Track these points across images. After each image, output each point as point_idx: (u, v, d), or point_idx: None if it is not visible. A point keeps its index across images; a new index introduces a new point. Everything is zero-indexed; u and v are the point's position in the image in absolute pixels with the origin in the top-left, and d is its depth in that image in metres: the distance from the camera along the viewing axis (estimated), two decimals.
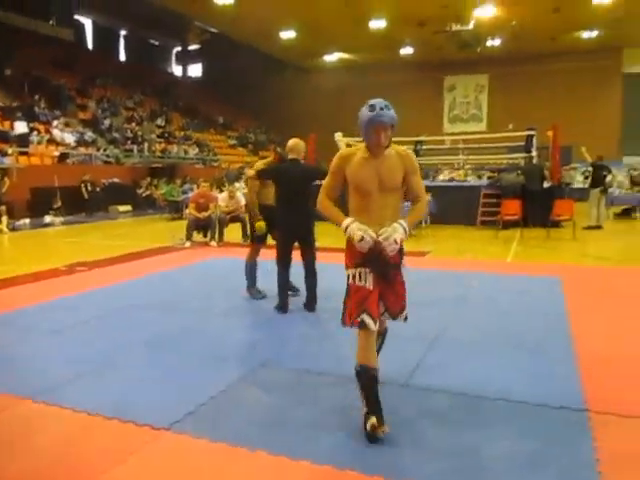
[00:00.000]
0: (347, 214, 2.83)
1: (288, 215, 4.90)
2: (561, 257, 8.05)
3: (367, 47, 24.31)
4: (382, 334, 3.15)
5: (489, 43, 22.77)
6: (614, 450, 2.55)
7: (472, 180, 14.53)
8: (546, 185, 11.77)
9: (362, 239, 2.64)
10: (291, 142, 5.00)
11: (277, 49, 25.26)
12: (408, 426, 2.79)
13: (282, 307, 4.97)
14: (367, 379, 2.73)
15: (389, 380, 3.34)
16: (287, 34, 22.46)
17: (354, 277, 2.80)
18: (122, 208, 16.56)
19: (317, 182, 5.16)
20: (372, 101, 2.68)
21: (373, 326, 2.74)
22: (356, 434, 2.69)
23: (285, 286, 5.04)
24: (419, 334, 4.24)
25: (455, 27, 20.52)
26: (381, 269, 2.80)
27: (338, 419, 2.87)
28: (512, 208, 10.39)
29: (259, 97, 29.97)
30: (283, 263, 5.01)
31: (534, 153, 12.86)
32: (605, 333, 4.32)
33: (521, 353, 3.88)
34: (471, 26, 20.34)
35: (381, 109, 2.65)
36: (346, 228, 2.71)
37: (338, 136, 13.17)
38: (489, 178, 13.74)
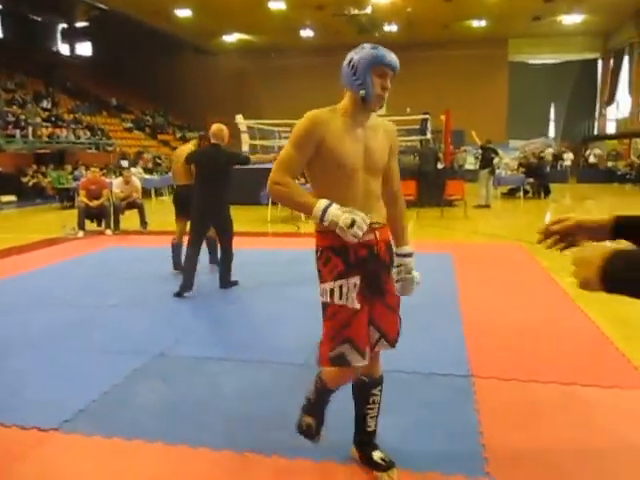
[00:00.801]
0: None
1: (204, 199, 4.91)
2: (453, 235, 8.54)
3: (267, 29, 24.03)
4: (377, 383, 2.28)
5: (387, 28, 23.34)
6: (493, 411, 2.77)
7: None
8: (440, 167, 12.39)
9: (353, 223, 1.82)
10: (214, 127, 5.06)
11: (174, 28, 24.28)
12: None
13: (186, 287, 4.94)
14: (327, 398, 2.30)
15: (288, 360, 3.41)
16: (183, 12, 21.65)
17: (332, 294, 2.01)
18: (5, 198, 15.27)
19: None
20: (367, 44, 2.03)
21: (359, 361, 2.02)
22: (254, 417, 2.71)
23: (192, 268, 5.00)
24: (317, 313, 4.34)
25: (353, 11, 20.81)
26: (375, 273, 2.08)
27: (236, 404, 2.88)
28: (408, 189, 10.82)
29: (156, 78, 28.75)
30: (194, 246, 5.02)
31: (429, 136, 13.45)
32: (490, 305, 4.65)
33: (414, 326, 4.04)
34: (369, 11, 20.73)
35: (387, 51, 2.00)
36: (324, 213, 1.86)
37: (239, 119, 12.96)
38: None
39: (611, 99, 25.38)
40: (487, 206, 11.97)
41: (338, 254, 2.02)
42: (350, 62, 2.00)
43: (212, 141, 5.02)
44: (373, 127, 2.08)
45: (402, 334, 3.91)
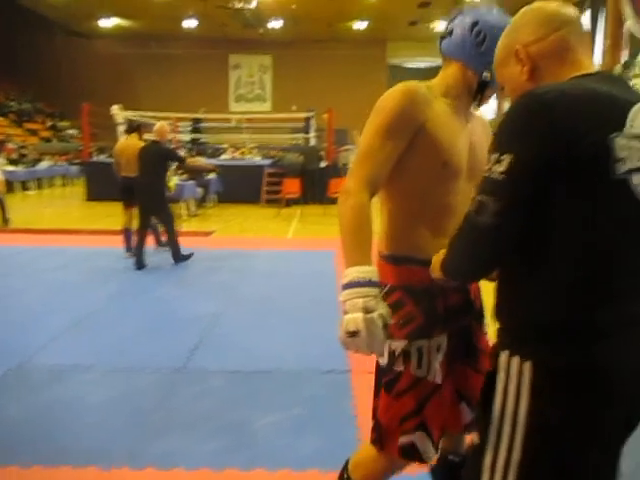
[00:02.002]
0: (398, 219, 1.46)
1: (146, 191, 5.67)
2: (336, 231, 8.69)
3: (147, 15, 22.92)
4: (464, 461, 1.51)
5: (271, 25, 23.31)
6: (369, 404, 2.84)
7: (257, 159, 14.87)
8: (323, 165, 12.64)
9: (355, 333, 1.20)
10: (157, 126, 5.96)
11: (43, 7, 22.37)
12: (184, 410, 2.76)
13: (139, 263, 5.68)
14: None
15: (164, 366, 3.27)
16: None
17: (406, 359, 1.41)
18: None
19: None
20: (485, 5, 1.45)
21: (433, 455, 1.44)
22: (124, 430, 2.56)
23: (141, 248, 5.74)
24: (197, 315, 4.24)
25: (238, 4, 20.50)
26: (467, 330, 1.50)
27: (105, 417, 2.69)
28: (293, 186, 10.95)
29: (22, 61, 26.26)
30: (142, 230, 5.76)
31: (312, 134, 13.65)
32: None
33: (296, 324, 4.11)
34: (253, 5, 20.54)
35: None
36: (345, 286, 1.26)
37: (115, 109, 12.22)
38: (272, 157, 14.23)
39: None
40: None
41: (418, 300, 1.41)
42: (475, 26, 1.38)
43: (154, 138, 5.85)
44: (473, 117, 1.52)
45: (281, 331, 3.96)
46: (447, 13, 20.54)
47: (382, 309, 1.23)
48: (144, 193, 5.71)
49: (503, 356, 1.04)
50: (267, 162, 13.14)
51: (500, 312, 1.11)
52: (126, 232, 6.22)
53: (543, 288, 1.01)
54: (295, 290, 5.07)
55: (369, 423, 2.63)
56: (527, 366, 1.00)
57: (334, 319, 4.32)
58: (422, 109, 1.35)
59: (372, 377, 3.09)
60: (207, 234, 8.07)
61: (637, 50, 10.84)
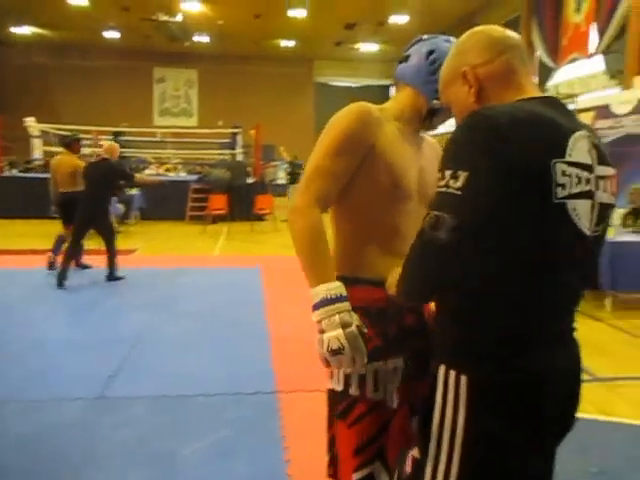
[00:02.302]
0: (348, 239, 1.45)
1: (91, 206, 5.68)
2: (263, 248, 8.70)
3: (66, 25, 22.01)
4: None
5: (198, 39, 23.06)
6: (298, 424, 2.84)
7: (183, 175, 14.58)
8: (250, 181, 12.60)
9: (339, 351, 1.23)
10: (107, 145, 6.15)
11: None
12: (103, 441, 2.63)
13: (62, 279, 5.48)
14: None
15: (83, 395, 3.11)
16: None
17: (362, 383, 1.36)
18: None
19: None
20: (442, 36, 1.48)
21: None
22: (40, 466, 2.40)
23: (69, 264, 5.65)
24: (120, 338, 4.08)
25: (163, 17, 20.14)
26: (423, 350, 1.33)
27: (16, 456, 2.50)
28: (219, 203, 10.82)
29: None
30: (76, 246, 5.80)
31: (239, 150, 13.59)
32: (295, 317, 4.79)
33: (222, 345, 4.04)
34: (179, 19, 20.26)
35: None
36: (319, 304, 1.30)
37: (29, 121, 11.61)
38: (198, 173, 14.03)
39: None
40: None
41: (373, 322, 1.35)
42: (431, 54, 1.42)
43: (104, 156, 5.93)
44: (424, 140, 1.54)
45: (207, 352, 3.87)
46: (371, 35, 21.31)
47: (357, 320, 1.26)
48: (87, 205, 5.67)
49: (441, 369, 1.08)
50: (193, 178, 12.92)
51: (437, 327, 1.15)
52: (60, 238, 6.11)
53: (476, 305, 1.05)
54: (221, 308, 4.99)
55: (298, 444, 2.64)
56: (463, 380, 1.04)
57: (260, 338, 4.33)
58: (373, 130, 1.35)
59: (300, 396, 3.12)
60: (129, 252, 7.78)
61: (546, 77, 11.67)
